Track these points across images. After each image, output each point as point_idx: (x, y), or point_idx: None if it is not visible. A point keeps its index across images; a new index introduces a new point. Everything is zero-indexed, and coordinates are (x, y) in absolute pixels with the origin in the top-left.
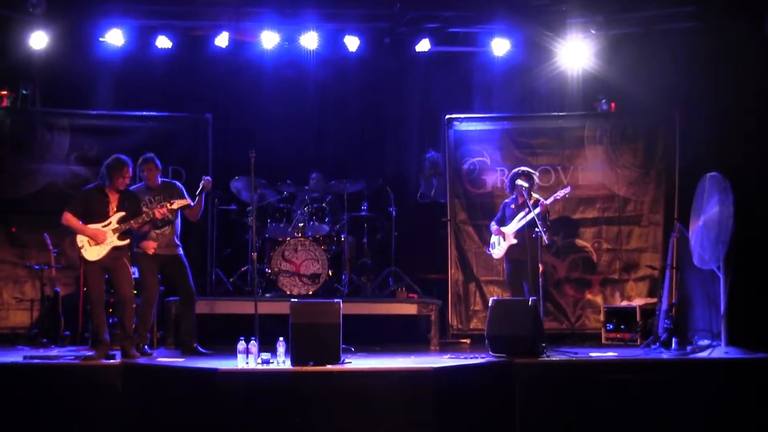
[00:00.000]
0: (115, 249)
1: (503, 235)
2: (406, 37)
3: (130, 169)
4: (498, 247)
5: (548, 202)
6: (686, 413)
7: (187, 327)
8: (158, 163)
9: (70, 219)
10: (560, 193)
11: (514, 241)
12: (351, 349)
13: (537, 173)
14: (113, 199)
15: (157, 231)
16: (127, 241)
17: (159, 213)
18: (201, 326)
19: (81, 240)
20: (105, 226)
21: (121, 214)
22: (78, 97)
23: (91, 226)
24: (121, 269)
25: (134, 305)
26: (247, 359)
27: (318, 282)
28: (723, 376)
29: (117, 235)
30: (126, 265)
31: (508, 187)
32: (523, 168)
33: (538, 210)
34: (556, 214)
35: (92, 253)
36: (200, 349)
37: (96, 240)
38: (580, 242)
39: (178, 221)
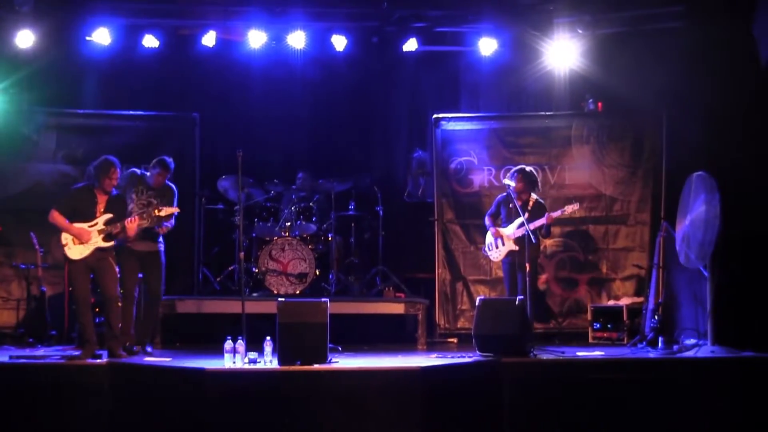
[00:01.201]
0: (99, 249)
1: (501, 237)
2: (393, 37)
3: (118, 170)
4: (496, 251)
5: (555, 215)
6: (673, 412)
7: (146, 327)
8: (172, 169)
9: (56, 217)
10: (568, 209)
11: (515, 248)
12: (338, 349)
13: (535, 172)
14: (101, 200)
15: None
16: (112, 243)
17: (130, 227)
18: (188, 325)
19: (65, 238)
20: (91, 226)
21: (109, 215)
22: (65, 96)
23: (77, 225)
24: (106, 269)
25: (120, 305)
26: (234, 359)
27: (305, 281)
28: (709, 375)
29: (102, 236)
30: (112, 265)
31: (512, 188)
32: (525, 167)
33: (542, 221)
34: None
35: (75, 251)
36: (149, 349)
37: (80, 239)
38: (567, 241)
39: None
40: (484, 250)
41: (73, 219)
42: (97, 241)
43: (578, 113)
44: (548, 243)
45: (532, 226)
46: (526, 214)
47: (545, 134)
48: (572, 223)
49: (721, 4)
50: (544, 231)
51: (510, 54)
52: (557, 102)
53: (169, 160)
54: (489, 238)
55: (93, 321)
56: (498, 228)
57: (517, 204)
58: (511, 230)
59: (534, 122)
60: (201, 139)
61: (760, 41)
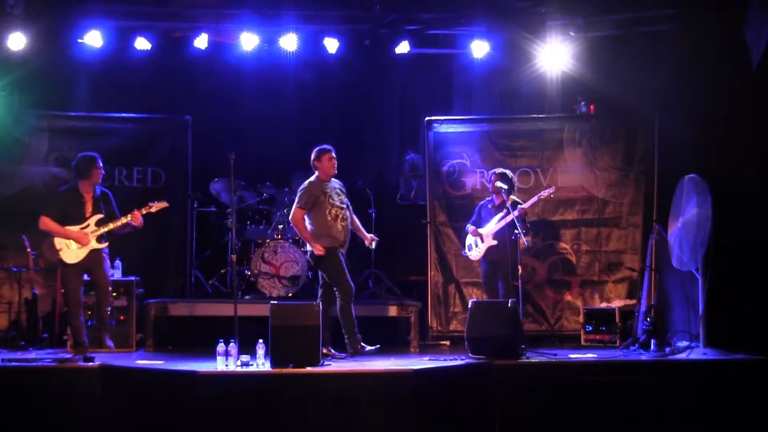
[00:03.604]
0: (93, 251)
1: (480, 236)
2: (385, 39)
3: (100, 161)
4: (476, 249)
5: (527, 205)
6: (665, 414)
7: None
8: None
9: (48, 223)
10: (544, 193)
11: (494, 243)
12: (331, 351)
13: (513, 175)
14: (88, 199)
15: None
16: (106, 245)
17: (136, 220)
18: (180, 328)
19: (59, 243)
20: (83, 228)
21: (99, 216)
22: (57, 98)
23: (69, 228)
24: (100, 261)
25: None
26: (226, 362)
27: (298, 284)
28: (701, 378)
29: (95, 238)
30: (104, 257)
31: (490, 188)
32: (502, 169)
33: (518, 212)
34: (535, 215)
35: (71, 255)
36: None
37: (79, 242)
38: (559, 244)
39: None
40: (464, 251)
41: (63, 223)
42: (92, 244)
43: (570, 116)
44: (541, 245)
45: (510, 217)
46: (504, 210)
47: (537, 137)
48: (564, 226)
49: (712, 7)
50: (521, 224)
51: (502, 56)
52: (549, 104)
53: (329, 146)
54: (469, 239)
55: (85, 323)
56: (476, 228)
57: (507, 203)
58: (490, 227)
59: (526, 125)
60: (193, 142)
61: (750, 44)
